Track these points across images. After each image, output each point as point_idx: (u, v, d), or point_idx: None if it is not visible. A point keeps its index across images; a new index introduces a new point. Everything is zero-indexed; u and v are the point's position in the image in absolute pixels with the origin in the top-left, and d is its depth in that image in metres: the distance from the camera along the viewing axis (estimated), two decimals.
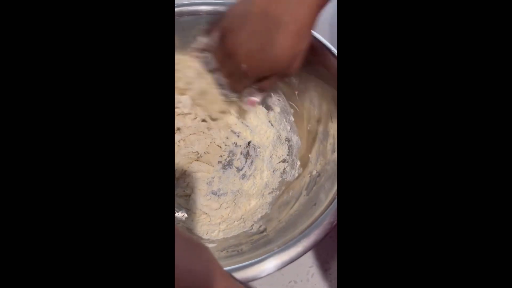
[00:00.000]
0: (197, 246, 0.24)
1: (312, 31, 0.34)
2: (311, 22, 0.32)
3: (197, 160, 0.49)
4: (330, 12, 0.53)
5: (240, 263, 0.30)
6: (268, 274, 0.30)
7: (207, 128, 0.50)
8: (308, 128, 0.46)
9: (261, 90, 0.40)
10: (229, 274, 0.28)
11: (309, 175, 0.42)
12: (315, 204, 0.36)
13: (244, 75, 0.36)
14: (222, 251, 0.37)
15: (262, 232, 0.39)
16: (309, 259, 0.43)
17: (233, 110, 0.49)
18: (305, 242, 0.30)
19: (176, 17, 0.45)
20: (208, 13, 0.45)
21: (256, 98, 0.43)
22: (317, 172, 0.42)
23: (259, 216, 0.43)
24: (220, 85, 0.43)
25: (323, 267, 0.43)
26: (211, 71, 0.42)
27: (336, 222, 0.32)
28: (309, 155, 0.44)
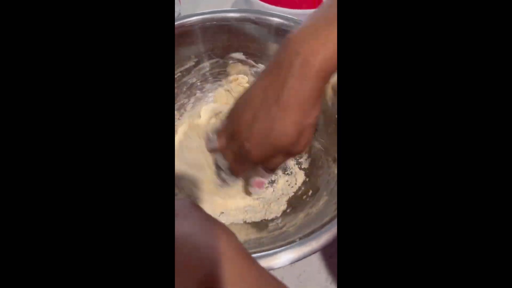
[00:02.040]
0: (212, 224, 0.23)
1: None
2: (316, 95, 0.30)
3: None
4: None
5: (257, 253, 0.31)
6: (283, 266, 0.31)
7: None
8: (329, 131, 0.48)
9: (268, 170, 0.37)
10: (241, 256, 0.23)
11: (329, 174, 0.44)
12: (335, 203, 0.37)
13: (247, 156, 0.33)
14: (243, 244, 0.38)
15: (281, 227, 0.41)
16: None
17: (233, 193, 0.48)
18: (327, 236, 0.31)
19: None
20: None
21: (264, 179, 0.42)
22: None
23: (279, 209, 0.45)
24: (218, 167, 0.41)
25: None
26: (213, 151, 0.39)
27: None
28: (328, 158, 0.46)
